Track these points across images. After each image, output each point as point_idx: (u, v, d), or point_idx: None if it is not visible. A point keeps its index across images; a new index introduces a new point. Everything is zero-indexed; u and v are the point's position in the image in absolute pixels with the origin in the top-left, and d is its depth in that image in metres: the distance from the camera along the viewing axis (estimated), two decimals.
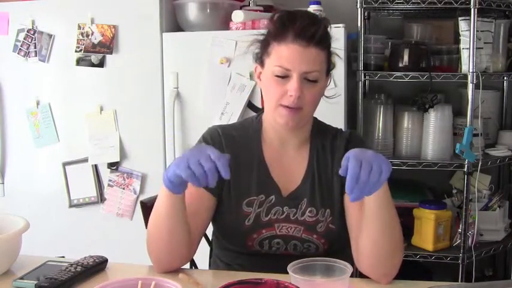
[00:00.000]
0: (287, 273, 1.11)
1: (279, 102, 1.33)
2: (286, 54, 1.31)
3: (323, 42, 1.33)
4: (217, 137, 1.44)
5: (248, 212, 1.39)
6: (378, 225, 1.25)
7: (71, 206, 2.55)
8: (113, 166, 2.49)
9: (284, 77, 1.32)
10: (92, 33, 2.44)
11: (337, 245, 1.41)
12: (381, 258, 1.27)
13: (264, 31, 1.39)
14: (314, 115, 1.47)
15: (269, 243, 1.40)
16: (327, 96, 1.45)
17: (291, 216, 1.40)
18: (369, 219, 1.26)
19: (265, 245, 1.40)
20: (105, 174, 2.51)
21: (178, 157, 1.22)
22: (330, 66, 1.40)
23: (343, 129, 1.52)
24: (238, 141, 1.44)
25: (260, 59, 1.39)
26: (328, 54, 1.37)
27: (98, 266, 1.32)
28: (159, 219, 1.30)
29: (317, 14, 1.39)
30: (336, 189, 1.41)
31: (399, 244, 1.31)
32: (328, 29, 1.37)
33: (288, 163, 1.43)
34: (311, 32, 1.29)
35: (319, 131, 1.47)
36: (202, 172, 1.13)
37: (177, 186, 1.21)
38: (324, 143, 1.45)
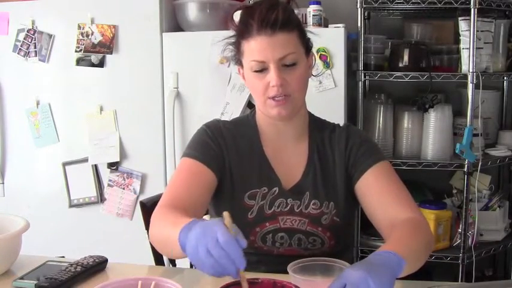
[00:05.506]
0: (287, 273, 1.11)
1: (266, 96, 1.33)
2: (255, 47, 1.31)
3: (288, 24, 1.31)
4: (217, 129, 1.43)
5: (251, 204, 1.38)
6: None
7: (71, 206, 2.55)
8: (113, 166, 2.49)
9: (262, 70, 1.32)
10: (92, 33, 2.44)
11: (342, 241, 1.41)
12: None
13: (232, 33, 1.39)
14: (311, 111, 1.48)
15: (272, 238, 1.38)
16: (314, 75, 1.44)
17: (295, 208, 1.38)
18: None
19: (268, 240, 1.38)
20: (105, 174, 2.51)
21: (192, 230, 1.03)
22: (308, 45, 1.38)
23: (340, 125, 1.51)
24: (239, 135, 1.44)
25: (238, 60, 1.40)
26: (300, 33, 1.35)
27: (97, 266, 1.32)
28: (166, 245, 1.18)
29: None
30: (339, 183, 1.40)
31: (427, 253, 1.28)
32: (293, 7, 1.36)
33: (288, 157, 1.43)
34: (272, 18, 1.28)
35: (317, 125, 1.47)
36: (214, 262, 0.97)
37: None
38: (323, 137, 1.45)
